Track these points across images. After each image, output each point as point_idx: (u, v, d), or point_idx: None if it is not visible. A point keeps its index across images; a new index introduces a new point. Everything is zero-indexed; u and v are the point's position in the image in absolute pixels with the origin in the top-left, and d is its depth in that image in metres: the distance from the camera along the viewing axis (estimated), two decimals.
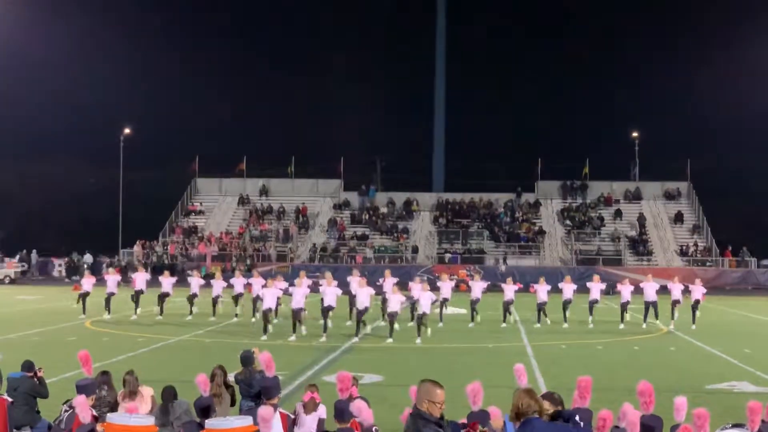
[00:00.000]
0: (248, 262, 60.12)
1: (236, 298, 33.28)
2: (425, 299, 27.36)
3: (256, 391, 12.41)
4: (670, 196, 70.65)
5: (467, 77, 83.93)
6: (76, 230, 75.08)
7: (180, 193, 72.81)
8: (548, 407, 8.12)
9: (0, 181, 76.69)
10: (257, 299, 31.36)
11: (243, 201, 72.31)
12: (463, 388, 9.06)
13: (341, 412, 9.32)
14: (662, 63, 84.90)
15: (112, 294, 32.58)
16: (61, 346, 24.05)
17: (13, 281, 58.78)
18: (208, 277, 39.24)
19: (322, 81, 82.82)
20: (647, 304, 31.59)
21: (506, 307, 32.16)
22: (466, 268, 58.38)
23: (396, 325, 27.42)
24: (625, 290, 31.94)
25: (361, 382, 14.40)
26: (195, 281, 33.50)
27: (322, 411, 11.18)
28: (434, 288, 32.32)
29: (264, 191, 73.19)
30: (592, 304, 32.50)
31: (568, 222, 68.15)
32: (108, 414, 9.56)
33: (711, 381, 19.37)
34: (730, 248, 63.19)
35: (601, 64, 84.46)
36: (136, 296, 32.88)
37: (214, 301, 32.97)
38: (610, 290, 38.17)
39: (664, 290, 34.10)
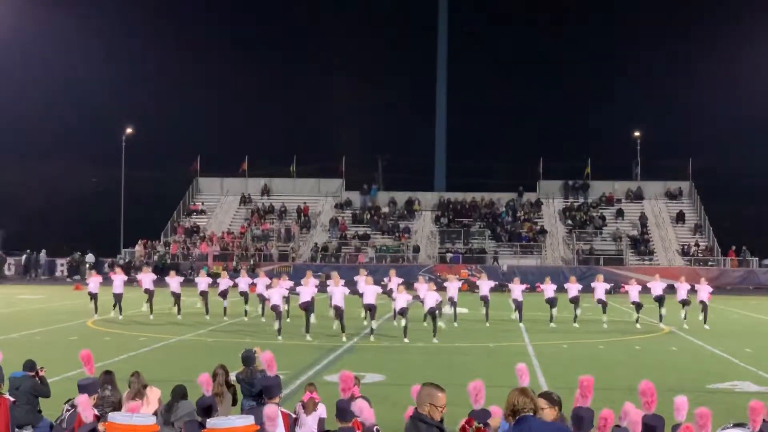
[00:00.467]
0: (252, 261, 60.11)
1: (245, 297, 33.21)
2: (430, 298, 27.36)
3: (257, 390, 12.43)
4: (671, 196, 70.61)
5: (469, 76, 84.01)
6: (78, 230, 75.16)
7: (182, 192, 72.83)
8: (544, 405, 8.11)
9: (2, 180, 76.76)
10: (263, 298, 31.33)
11: (244, 200, 72.32)
12: (465, 387, 9.06)
13: (343, 411, 9.32)
14: (664, 62, 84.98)
15: (120, 295, 32.49)
16: (63, 346, 24.07)
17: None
18: (212, 276, 39.17)
19: (323, 80, 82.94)
20: (658, 300, 31.54)
21: (519, 306, 32.21)
22: (467, 267, 58.36)
23: (403, 321, 27.31)
24: (633, 290, 31.87)
25: (363, 382, 14.41)
26: (203, 280, 33.41)
27: (322, 410, 11.19)
28: (441, 289, 32.37)
29: (265, 191, 73.21)
30: (603, 304, 32.23)
31: (569, 221, 68.14)
32: (110, 413, 9.57)
33: (712, 380, 19.36)
34: (733, 248, 63.15)
35: (603, 63, 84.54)
36: (149, 297, 32.75)
37: (223, 297, 32.89)
38: (612, 290, 38.12)
39: (670, 290, 34.08)
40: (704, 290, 31.91)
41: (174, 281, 33.10)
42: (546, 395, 8.46)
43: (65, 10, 77.46)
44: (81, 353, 11.85)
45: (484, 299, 32.63)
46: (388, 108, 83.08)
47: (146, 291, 32.88)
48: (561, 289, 32.84)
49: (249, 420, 8.88)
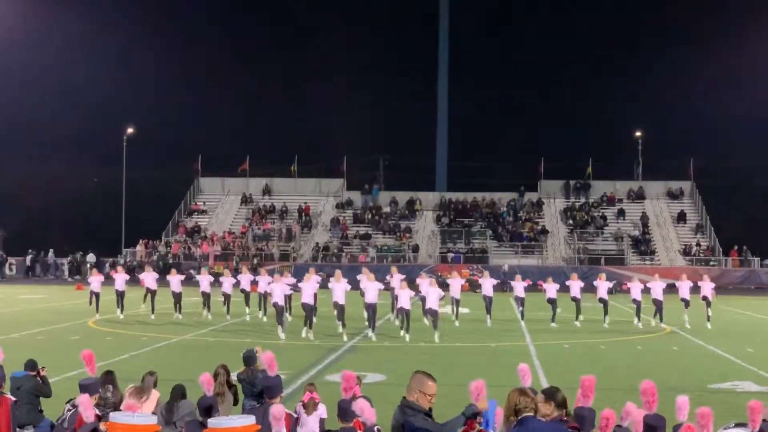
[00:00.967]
0: (255, 261, 60.12)
1: (246, 296, 33.19)
2: (432, 295, 27.35)
3: (258, 390, 12.42)
4: (673, 196, 70.61)
5: (470, 77, 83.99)
6: (79, 230, 75.20)
7: (183, 192, 72.88)
8: (540, 399, 8.08)
9: (3, 180, 76.78)
10: (265, 295, 31.30)
11: (246, 200, 72.35)
12: (466, 386, 9.05)
13: (344, 411, 9.32)
14: (665, 62, 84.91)
15: (123, 293, 32.51)
16: (65, 346, 24.09)
17: None
18: (214, 275, 39.15)
19: (324, 80, 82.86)
20: (656, 303, 31.57)
21: (521, 303, 32.24)
22: (469, 267, 58.36)
23: (398, 322, 27.33)
24: (635, 288, 31.84)
25: (364, 382, 14.40)
26: (204, 279, 33.40)
27: (323, 410, 11.19)
28: (444, 288, 32.39)
29: (267, 190, 73.23)
30: (604, 303, 32.26)
31: (570, 221, 68.14)
32: (111, 413, 9.57)
33: (714, 380, 19.36)
34: (735, 248, 63.15)
35: (604, 63, 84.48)
36: (151, 297, 32.74)
37: (226, 298, 32.87)
38: (614, 290, 38.08)
39: (671, 289, 34.09)
40: (707, 287, 31.84)
41: (175, 280, 33.13)
42: (548, 392, 8.43)
43: (66, 9, 77.49)
44: (82, 353, 11.84)
45: (487, 298, 32.66)
46: (390, 108, 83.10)
47: (148, 290, 32.91)
48: (563, 287, 32.86)
49: (250, 420, 8.88)
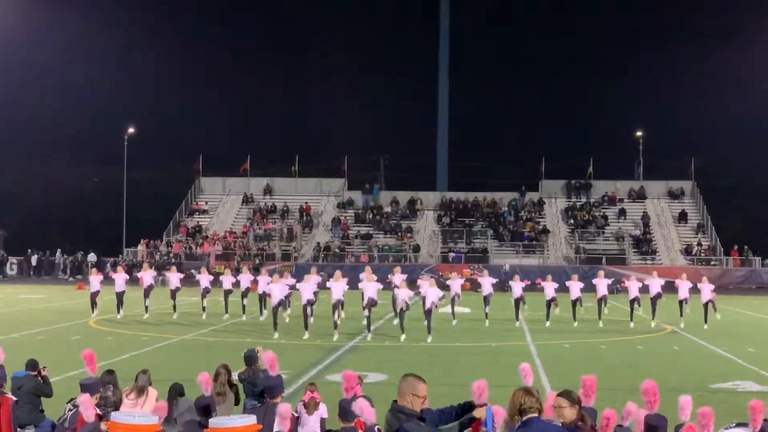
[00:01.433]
0: (257, 261, 60.10)
1: (243, 295, 33.18)
2: (432, 295, 27.35)
3: (259, 390, 12.42)
4: (674, 195, 70.58)
5: (471, 76, 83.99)
6: (80, 229, 75.22)
7: (184, 192, 72.88)
8: (564, 404, 8.06)
9: (4, 180, 76.81)
10: (264, 295, 31.31)
11: (247, 200, 72.34)
12: (467, 386, 9.05)
13: (345, 411, 9.32)
14: (666, 62, 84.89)
15: (123, 292, 32.53)
16: (65, 345, 24.10)
17: None
18: (214, 275, 39.15)
19: (325, 80, 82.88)
20: (653, 301, 31.59)
21: (517, 304, 32.25)
22: (470, 267, 58.34)
23: (396, 321, 27.27)
24: (633, 286, 31.84)
25: (365, 381, 14.40)
26: (204, 278, 33.40)
27: (323, 410, 11.19)
28: (444, 287, 32.41)
29: (268, 190, 73.23)
30: (601, 302, 32.31)
31: (571, 221, 68.12)
32: (112, 413, 9.57)
33: (715, 380, 19.35)
34: (736, 247, 63.14)
35: (605, 62, 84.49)
36: (145, 294, 32.80)
37: (226, 298, 32.85)
38: (615, 289, 38.07)
39: (670, 287, 34.05)
40: (707, 290, 31.78)
41: (174, 277, 33.15)
42: (566, 394, 8.40)
43: (66, 9, 77.51)
44: (83, 353, 11.85)
45: (486, 298, 32.68)
46: (391, 107, 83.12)
47: (145, 289, 32.95)
48: (563, 287, 32.87)
49: (251, 420, 8.88)
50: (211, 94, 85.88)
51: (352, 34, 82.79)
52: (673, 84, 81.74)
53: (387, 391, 16.31)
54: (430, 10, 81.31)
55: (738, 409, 14.27)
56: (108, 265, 59.10)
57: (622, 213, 68.75)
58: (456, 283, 32.74)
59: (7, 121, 75.54)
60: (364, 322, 27.55)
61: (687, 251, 63.80)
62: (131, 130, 72.05)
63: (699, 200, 69.06)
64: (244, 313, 32.75)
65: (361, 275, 30.06)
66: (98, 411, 10.02)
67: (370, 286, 27.34)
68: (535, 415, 6.99)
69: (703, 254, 63.34)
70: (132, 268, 53.41)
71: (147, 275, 33.49)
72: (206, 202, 73.01)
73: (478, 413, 7.84)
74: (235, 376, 12.57)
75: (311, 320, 27.97)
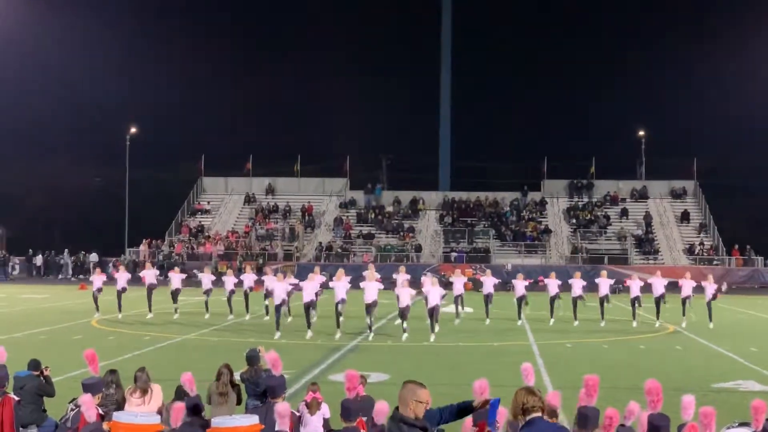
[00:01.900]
0: (260, 261, 60.10)
1: (246, 295, 33.16)
2: (434, 294, 27.33)
3: (262, 389, 12.44)
4: (676, 195, 70.56)
5: (473, 76, 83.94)
6: (82, 229, 75.22)
7: (186, 192, 72.91)
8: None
9: (6, 180, 76.82)
10: (268, 294, 31.26)
11: (249, 200, 72.37)
12: (469, 386, 9.05)
13: (348, 411, 9.33)
14: (668, 61, 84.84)
15: (123, 291, 32.53)
16: (68, 345, 24.11)
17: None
18: (217, 274, 39.13)
19: (327, 80, 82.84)
20: (656, 301, 31.54)
21: (519, 303, 32.25)
22: (472, 267, 58.32)
23: (399, 321, 27.26)
24: (634, 285, 31.81)
25: (368, 381, 14.40)
26: (206, 278, 33.39)
27: (326, 410, 11.19)
28: (447, 287, 32.41)
29: (270, 190, 73.25)
30: (603, 301, 32.28)
31: (574, 221, 68.10)
32: (114, 412, 9.57)
33: (717, 380, 19.34)
34: (736, 247, 63.11)
35: (608, 62, 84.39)
36: (148, 294, 32.81)
37: (229, 298, 32.84)
38: (617, 288, 38.04)
39: (673, 287, 34.02)
40: (711, 287, 31.69)
41: (176, 277, 33.16)
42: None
43: (68, 9, 77.56)
44: (85, 352, 11.86)
45: (488, 296, 32.68)
46: (393, 107, 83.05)
47: (149, 287, 32.94)
48: (566, 286, 32.85)
49: (253, 419, 8.88)
50: (213, 94, 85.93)
51: (354, 34, 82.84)
52: (675, 83, 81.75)
53: (389, 391, 16.32)
54: (432, 9, 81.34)
55: (740, 408, 14.26)
56: (110, 264, 59.13)
57: (625, 213, 68.72)
58: (459, 283, 32.73)
59: (9, 121, 75.59)
60: (368, 321, 27.49)
61: (690, 251, 63.77)
62: (133, 129, 72.05)
63: (701, 200, 69.03)
64: (248, 312, 32.74)
65: (365, 273, 30.07)
66: (100, 411, 10.02)
67: (371, 285, 27.34)
68: (539, 414, 6.98)
69: (705, 254, 63.30)
70: (127, 268, 53.40)
71: (150, 274, 33.49)
72: (208, 202, 73.04)
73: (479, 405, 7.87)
74: (237, 376, 12.58)
75: (314, 320, 28.02)
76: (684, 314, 31.67)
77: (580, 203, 70.29)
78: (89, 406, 9.40)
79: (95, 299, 32.59)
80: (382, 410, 9.21)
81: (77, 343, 24.24)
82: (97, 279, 33.16)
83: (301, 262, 61.11)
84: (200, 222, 70.07)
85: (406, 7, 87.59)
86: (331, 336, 26.65)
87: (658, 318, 31.68)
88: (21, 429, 11.70)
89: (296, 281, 30.27)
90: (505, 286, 42.60)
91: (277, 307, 27.63)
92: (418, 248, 64.82)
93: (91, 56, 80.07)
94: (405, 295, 26.87)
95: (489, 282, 33.14)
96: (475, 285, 45.25)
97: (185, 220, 70.46)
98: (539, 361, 21.77)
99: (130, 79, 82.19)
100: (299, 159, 73.17)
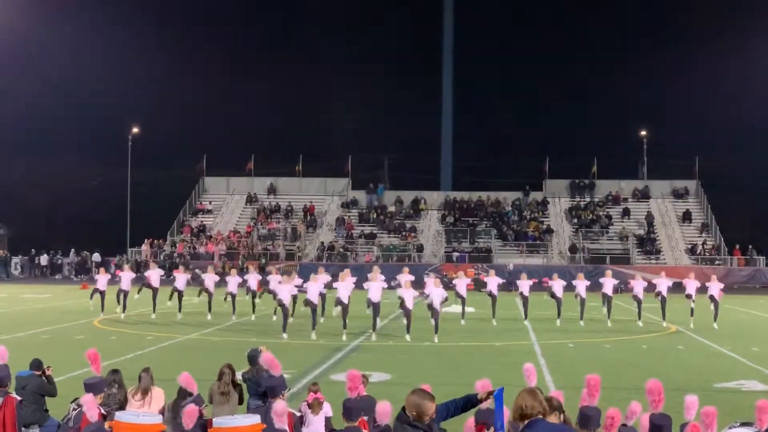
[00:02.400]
0: (263, 261, 60.13)
1: (253, 295, 33.10)
2: (436, 295, 27.33)
3: (263, 389, 12.45)
4: (678, 195, 70.57)
5: (475, 75, 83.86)
6: (84, 229, 75.21)
7: (188, 191, 72.97)
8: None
9: (8, 180, 76.83)
10: (273, 294, 31.18)
11: (251, 200, 72.43)
12: (471, 386, 9.06)
13: (349, 410, 9.34)
14: (670, 61, 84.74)
15: (126, 291, 32.55)
16: (70, 345, 24.10)
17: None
18: (220, 274, 39.09)
19: (329, 79, 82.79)
20: (660, 301, 31.50)
21: (524, 303, 32.26)
22: (474, 267, 58.34)
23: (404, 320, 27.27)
24: (638, 286, 31.78)
25: (370, 381, 14.40)
26: (210, 278, 33.36)
27: (328, 409, 11.20)
28: (448, 287, 32.41)
29: (272, 190, 73.30)
30: (608, 300, 32.20)
31: (575, 221, 68.09)
32: (116, 412, 9.59)
33: (719, 379, 19.33)
34: (738, 247, 63.11)
35: (610, 61, 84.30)
36: (153, 295, 32.80)
37: (233, 298, 32.80)
38: (620, 289, 38.02)
39: (677, 287, 33.98)
40: (715, 287, 31.66)
41: (181, 277, 33.15)
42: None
43: (70, 9, 77.57)
44: (87, 352, 11.87)
45: (491, 296, 32.72)
46: (394, 107, 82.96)
47: (153, 289, 32.93)
48: (569, 286, 32.84)
49: (255, 419, 8.90)
50: (215, 94, 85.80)
51: (356, 34, 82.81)
52: (677, 83, 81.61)
53: (391, 391, 16.33)
54: (433, 9, 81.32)
55: (742, 408, 14.27)
56: (112, 264, 59.17)
57: (626, 212, 68.73)
58: (462, 283, 32.72)
59: (11, 121, 75.59)
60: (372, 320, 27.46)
61: (691, 251, 63.75)
62: (135, 129, 72.11)
63: (703, 200, 69.05)
64: (254, 312, 32.72)
65: (369, 275, 30.10)
66: (102, 410, 10.03)
67: (374, 285, 27.34)
68: (540, 416, 6.99)
69: (707, 254, 63.29)
70: (132, 268, 53.38)
71: (154, 274, 33.47)
72: (210, 202, 73.10)
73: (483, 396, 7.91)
74: (239, 376, 12.59)
75: (322, 320, 28.05)
76: (692, 314, 31.60)
77: (581, 203, 70.31)
78: (91, 405, 9.41)
79: (98, 299, 32.61)
80: (384, 411, 9.22)
81: (79, 342, 24.24)
82: (101, 279, 33.20)
83: (303, 262, 61.15)
84: (202, 222, 70.12)
85: (408, 7, 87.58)
86: (335, 336, 26.62)
87: (664, 318, 31.62)
88: (23, 429, 11.70)
89: (301, 282, 30.25)
90: (507, 286, 42.58)
91: (285, 310, 27.59)
92: (420, 248, 64.85)
93: (93, 56, 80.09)
94: (408, 295, 26.88)
95: (493, 282, 33.15)
96: (478, 285, 45.26)
97: (187, 219, 70.52)
98: (541, 361, 21.76)
99: (132, 79, 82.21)
100: (301, 159, 73.27)
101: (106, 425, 9.18)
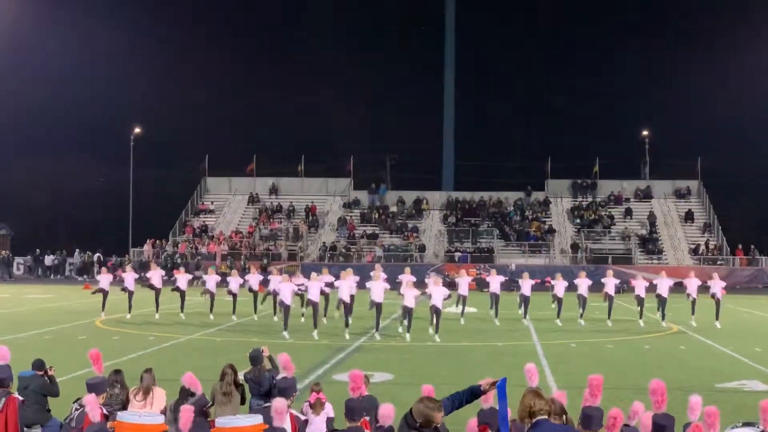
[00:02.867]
0: (264, 261, 60.14)
1: (255, 295, 33.08)
2: (437, 294, 27.32)
3: (265, 389, 12.47)
4: (680, 195, 70.53)
5: (477, 75, 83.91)
6: (87, 229, 75.31)
7: (190, 192, 72.98)
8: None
9: (10, 181, 76.92)
10: (275, 294, 31.18)
11: (253, 200, 72.45)
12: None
13: (352, 410, 9.34)
14: (672, 61, 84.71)
15: (132, 292, 32.56)
16: (72, 345, 24.12)
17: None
18: (221, 275, 39.08)
19: (331, 80, 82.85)
20: (661, 301, 31.48)
21: (525, 301, 32.24)
22: (476, 267, 58.31)
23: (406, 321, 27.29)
24: (639, 285, 31.77)
25: (372, 381, 14.40)
26: (211, 278, 33.36)
27: (330, 409, 11.20)
28: (451, 287, 32.39)
29: (273, 190, 73.33)
30: (610, 299, 32.17)
31: (577, 220, 68.07)
32: (118, 412, 9.59)
33: (721, 380, 19.31)
34: (740, 247, 63.07)
35: (611, 62, 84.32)
36: (156, 295, 32.85)
37: (234, 298, 32.79)
38: (621, 289, 37.99)
39: (678, 287, 33.96)
40: (717, 285, 31.62)
41: (182, 278, 33.16)
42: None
43: (71, 9, 77.64)
44: (90, 352, 11.88)
45: (494, 296, 32.71)
46: (396, 107, 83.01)
47: (155, 290, 32.96)
48: (572, 286, 32.83)
49: (257, 419, 8.90)
50: (217, 94, 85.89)
51: (357, 34, 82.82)
52: (679, 83, 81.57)
53: (393, 391, 16.34)
54: (435, 9, 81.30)
55: (744, 408, 14.27)
56: (109, 265, 59.13)
57: (629, 212, 68.70)
58: (464, 283, 32.72)
59: (13, 121, 75.66)
60: (374, 320, 27.45)
61: (694, 251, 63.71)
62: (137, 130, 72.13)
63: (705, 200, 69.01)
64: (255, 312, 32.74)
65: (372, 273, 30.10)
66: (104, 411, 10.04)
67: (376, 285, 27.35)
68: (545, 417, 6.98)
69: (709, 254, 63.25)
70: (135, 269, 53.45)
71: (155, 275, 33.50)
72: (212, 202, 73.12)
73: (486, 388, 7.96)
74: (241, 376, 12.60)
75: (324, 320, 28.06)
76: (693, 313, 31.57)
77: (583, 203, 70.29)
78: (93, 405, 9.41)
79: (104, 299, 32.64)
80: (387, 414, 9.22)
81: (82, 343, 24.26)
82: (104, 279, 33.23)
83: (305, 262, 61.16)
84: (204, 222, 70.12)
85: (410, 7, 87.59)
86: (336, 336, 26.64)
87: (663, 318, 31.63)
88: (25, 429, 11.71)
89: (302, 281, 30.25)
90: (509, 284, 42.58)
91: (286, 309, 27.58)
92: (422, 248, 64.85)
93: (96, 56, 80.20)
94: (409, 295, 26.89)
95: (495, 282, 33.14)
96: (480, 284, 45.27)
97: (189, 220, 70.54)
98: (543, 361, 21.76)
99: (134, 80, 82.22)
100: (303, 159, 73.23)
101: (109, 425, 9.19)
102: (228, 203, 72.97)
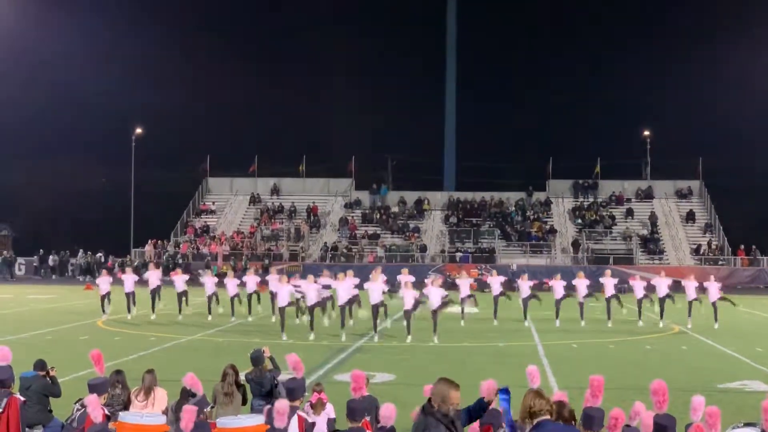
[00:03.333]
0: (266, 261, 60.13)
1: (249, 297, 33.10)
2: (435, 295, 27.31)
3: (267, 390, 12.49)
4: (681, 195, 70.51)
5: (478, 76, 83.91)
6: (88, 230, 75.29)
7: (191, 192, 73.00)
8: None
9: (12, 181, 76.93)
10: (274, 296, 31.19)
11: (254, 200, 72.46)
12: (476, 387, 9.06)
13: (353, 411, 9.34)
14: (673, 61, 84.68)
15: (132, 293, 32.57)
16: (74, 345, 24.13)
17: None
18: (220, 276, 39.12)
19: (332, 80, 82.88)
20: (661, 301, 31.46)
21: (525, 303, 32.23)
22: (477, 267, 58.31)
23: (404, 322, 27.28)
24: (638, 286, 31.76)
25: (373, 381, 14.41)
26: (209, 280, 33.34)
27: (331, 410, 11.21)
28: (452, 288, 32.37)
29: (275, 190, 73.34)
30: (610, 301, 32.15)
31: (579, 221, 68.05)
32: (120, 413, 9.60)
33: (723, 380, 19.31)
34: (742, 247, 63.04)
35: (613, 62, 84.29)
36: (152, 295, 32.88)
37: (232, 301, 32.76)
38: (622, 288, 37.97)
39: (677, 286, 33.94)
40: (713, 287, 31.59)
41: (179, 279, 33.14)
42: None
43: (72, 9, 77.67)
44: (91, 353, 11.89)
45: (495, 298, 32.71)
46: (398, 107, 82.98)
47: (151, 290, 32.98)
48: (570, 287, 32.81)
49: (258, 419, 8.91)
50: (218, 95, 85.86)
51: (359, 34, 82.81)
52: (680, 83, 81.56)
53: (395, 392, 16.35)
54: (436, 9, 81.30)
55: (746, 408, 14.27)
56: (116, 265, 59.20)
57: (630, 213, 68.67)
58: (465, 283, 32.71)
59: (15, 122, 75.66)
60: (373, 321, 27.46)
61: (695, 251, 63.70)
62: (139, 130, 72.15)
63: (707, 200, 68.98)
64: (250, 313, 32.74)
65: (371, 274, 30.11)
66: (106, 411, 10.05)
67: (375, 286, 27.34)
68: (547, 417, 6.99)
69: (710, 254, 63.23)
70: (135, 270, 53.45)
71: (153, 275, 33.51)
72: (213, 203, 73.14)
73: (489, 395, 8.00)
74: (242, 377, 12.61)
75: (325, 321, 28.08)
76: (689, 314, 31.57)
77: (585, 203, 70.28)
78: (95, 406, 9.42)
79: (102, 300, 32.60)
80: (388, 414, 9.23)
81: (83, 343, 24.27)
82: (104, 280, 33.20)
83: (306, 263, 61.17)
84: (205, 222, 70.14)
85: (411, 8, 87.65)
86: (336, 337, 26.63)
87: (662, 318, 31.61)
88: (27, 429, 11.72)
89: (299, 283, 30.25)
90: (510, 284, 42.60)
91: (281, 309, 27.58)
92: (424, 248, 64.85)
93: (97, 57, 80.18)
94: (409, 296, 26.88)
95: (496, 282, 33.13)
96: (480, 285, 45.26)
97: (190, 220, 70.56)
98: (545, 362, 21.75)
99: (135, 80, 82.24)
100: (304, 159, 73.21)
101: (110, 426, 9.19)
102: (229, 203, 72.98)
